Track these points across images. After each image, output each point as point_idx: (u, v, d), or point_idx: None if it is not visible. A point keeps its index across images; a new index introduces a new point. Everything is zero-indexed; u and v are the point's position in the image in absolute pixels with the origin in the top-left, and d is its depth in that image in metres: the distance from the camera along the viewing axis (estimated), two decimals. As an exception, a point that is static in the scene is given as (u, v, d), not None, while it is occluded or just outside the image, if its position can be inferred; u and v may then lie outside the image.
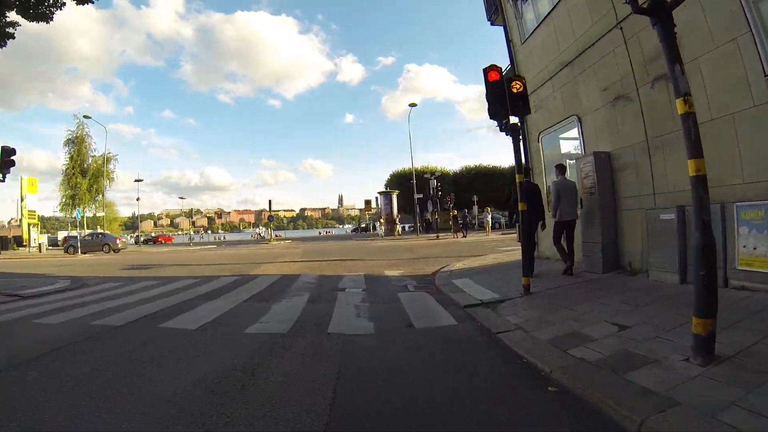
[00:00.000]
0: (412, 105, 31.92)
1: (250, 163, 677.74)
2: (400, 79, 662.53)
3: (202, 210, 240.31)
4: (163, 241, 53.43)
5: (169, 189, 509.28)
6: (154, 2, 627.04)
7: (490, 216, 26.20)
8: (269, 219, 38.82)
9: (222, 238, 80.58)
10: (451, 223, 30.12)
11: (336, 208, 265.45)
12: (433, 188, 26.76)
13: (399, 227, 35.70)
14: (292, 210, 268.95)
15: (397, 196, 36.47)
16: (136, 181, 49.04)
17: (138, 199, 50.31)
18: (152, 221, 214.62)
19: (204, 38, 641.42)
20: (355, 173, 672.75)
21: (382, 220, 35.39)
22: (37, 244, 32.43)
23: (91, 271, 13.75)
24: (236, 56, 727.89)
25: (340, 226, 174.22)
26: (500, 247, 15.80)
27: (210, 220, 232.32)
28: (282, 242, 35.69)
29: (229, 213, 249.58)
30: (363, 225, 62.36)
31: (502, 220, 36.54)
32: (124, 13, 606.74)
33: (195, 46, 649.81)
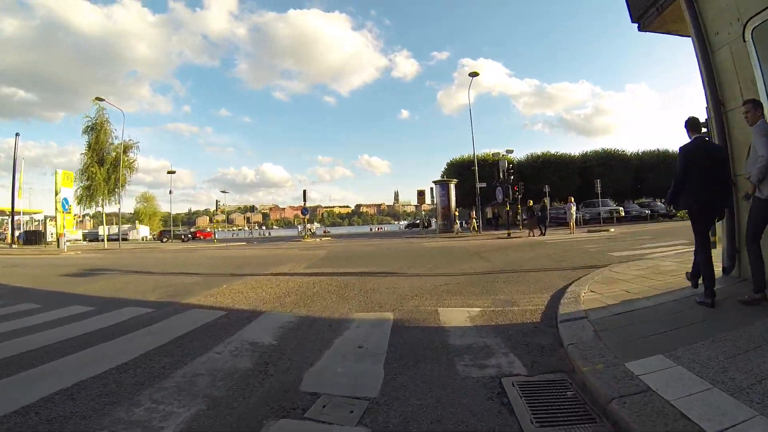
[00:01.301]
0: (474, 74, 27.26)
1: (306, 160, 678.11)
2: (455, 74, 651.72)
3: (257, 206, 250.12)
4: (201, 237, 52.11)
5: (226, 185, 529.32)
6: (208, 3, 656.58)
7: (574, 207, 20.62)
8: (303, 212, 35.02)
9: (267, 234, 79.92)
10: (524, 216, 24.84)
11: (391, 204, 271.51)
12: (503, 170, 21.25)
13: (458, 224, 30.93)
14: (347, 206, 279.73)
15: (456, 186, 31.54)
16: (169, 172, 48.14)
17: (171, 192, 49.71)
18: (208, 217, 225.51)
19: (258, 37, 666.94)
20: (411, 169, 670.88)
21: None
22: (55, 239, 30.52)
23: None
24: (290, 54, 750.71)
25: (395, 222, 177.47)
26: (609, 250, 10.97)
27: (265, 216, 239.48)
28: (319, 240, 31.81)
29: (284, 209, 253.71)
30: (418, 221, 60.34)
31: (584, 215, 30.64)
32: (180, 16, 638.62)
33: (249, 45, 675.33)
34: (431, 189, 34.32)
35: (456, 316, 4.82)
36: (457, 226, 30.10)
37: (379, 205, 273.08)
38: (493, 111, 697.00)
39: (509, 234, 20.51)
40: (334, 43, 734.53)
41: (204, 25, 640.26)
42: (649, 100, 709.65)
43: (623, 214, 30.49)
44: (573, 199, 20.98)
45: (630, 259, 9.07)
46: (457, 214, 31.76)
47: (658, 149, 41.33)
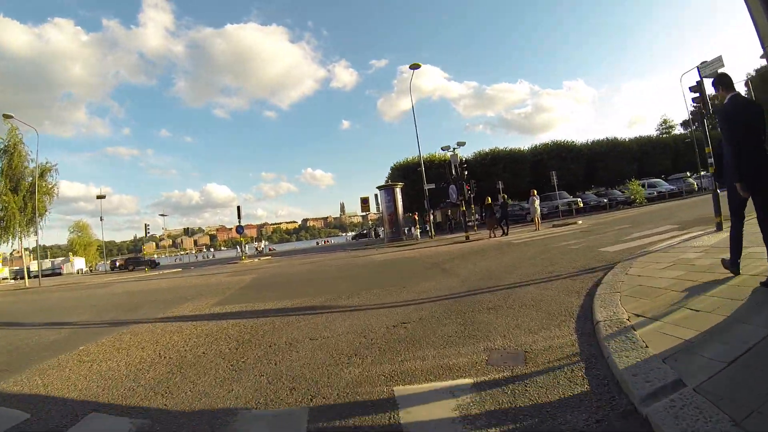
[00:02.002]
0: (414, 66, 25.82)
1: (250, 177, 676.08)
2: (395, 81, 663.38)
3: (204, 228, 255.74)
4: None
5: (171, 209, 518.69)
6: (144, 21, 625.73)
7: (538, 201, 19.04)
8: (238, 231, 32.06)
9: (211, 257, 75.78)
10: (481, 216, 23.24)
11: (338, 216, 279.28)
12: (456, 166, 19.17)
13: (417, 230, 29.36)
14: (294, 222, 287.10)
15: (402, 190, 29.67)
16: (98, 197, 44.41)
17: (102, 219, 46.32)
18: (154, 243, 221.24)
19: (195, 53, 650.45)
20: (356, 180, 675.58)
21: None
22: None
23: None
24: (229, 69, 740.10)
25: (343, 234, 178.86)
26: (596, 245, 9.41)
27: (212, 237, 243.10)
28: (258, 259, 28.93)
29: (231, 229, 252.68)
30: (365, 231, 59.47)
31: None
32: (114, 34, 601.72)
33: (187, 62, 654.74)
34: (376, 196, 32.31)
35: (431, 410, 2.51)
36: (417, 232, 28.22)
37: (326, 218, 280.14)
38: (433, 115, 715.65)
39: (468, 237, 18.58)
40: (272, 57, 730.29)
41: (140, 43, 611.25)
42: (587, 95, 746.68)
43: (581, 205, 29.71)
44: (536, 192, 19.38)
45: (632, 253, 7.29)
46: (416, 218, 30.39)
47: (607, 137, 41.77)
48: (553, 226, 19.09)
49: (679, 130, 58.94)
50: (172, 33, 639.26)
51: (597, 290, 4.79)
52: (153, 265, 44.25)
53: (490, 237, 17.87)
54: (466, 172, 18.88)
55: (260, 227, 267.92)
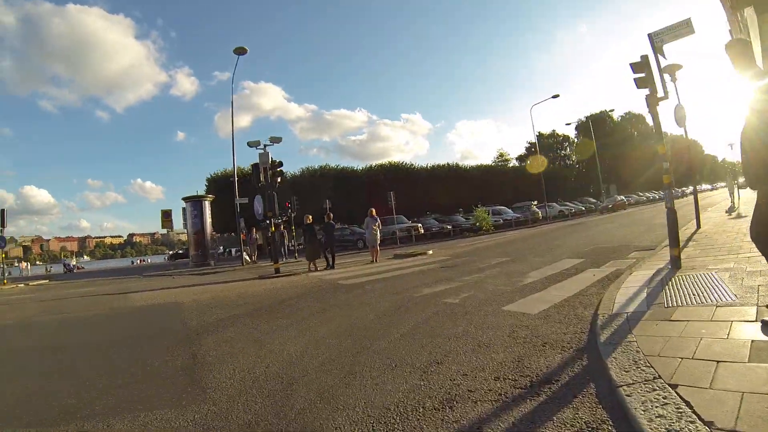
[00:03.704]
0: (240, 51, 21.04)
1: (74, 183, 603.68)
2: (235, 97, 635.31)
3: (17, 238, 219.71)
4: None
5: None
6: None
7: (378, 223, 15.22)
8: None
9: (7, 274, 59.09)
10: (301, 240, 19.00)
11: (166, 232, 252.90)
12: (265, 168, 13.79)
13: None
14: (120, 236, 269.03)
15: (214, 203, 24.59)
16: None
17: None
18: None
19: (28, 30, 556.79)
20: (186, 195, 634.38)
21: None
22: None
23: None
24: (63, 57, 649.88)
25: (170, 252, 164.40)
26: (493, 297, 5.70)
27: (26, 249, 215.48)
28: (25, 285, 19.25)
29: (48, 240, 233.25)
30: (182, 251, 52.78)
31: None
32: None
33: (16, 39, 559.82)
34: (183, 210, 26.00)
35: None
36: (246, 255, 22.51)
37: (153, 234, 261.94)
38: (270, 134, 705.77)
39: (277, 270, 13.56)
40: (113, 51, 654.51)
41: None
42: (423, 128, 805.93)
43: (422, 231, 27.52)
44: (375, 212, 15.54)
45: (582, 321, 3.44)
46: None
47: (448, 163, 42.04)
48: (395, 256, 15.49)
49: (514, 163, 63.81)
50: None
51: None
52: None
53: (310, 270, 13.38)
54: (279, 178, 13.90)
55: (82, 241, 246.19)
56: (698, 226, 10.76)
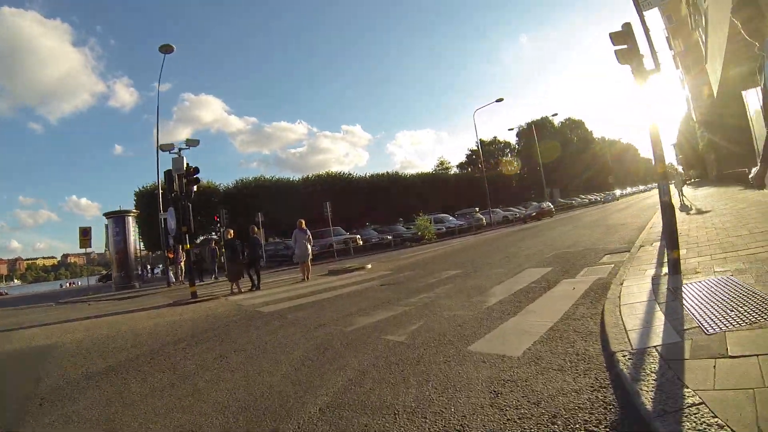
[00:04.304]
0: (166, 50, 19.60)
1: (4, 200, 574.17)
2: (175, 109, 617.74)
3: None
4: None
5: None
6: None
7: (308, 236, 13.50)
8: None
9: None
10: (222, 256, 17.03)
11: (103, 252, 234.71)
12: (178, 175, 11.43)
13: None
14: (53, 257, 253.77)
15: (143, 220, 24.39)
16: None
17: None
18: None
19: None
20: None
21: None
22: None
23: None
24: None
25: (105, 272, 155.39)
26: (461, 332, 4.23)
27: None
28: None
29: None
30: (105, 272, 50.31)
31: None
32: None
33: None
34: (106, 226, 23.55)
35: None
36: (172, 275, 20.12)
37: (89, 254, 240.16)
38: (210, 148, 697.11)
39: (194, 294, 11.40)
40: (49, 57, 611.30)
41: None
42: (363, 139, 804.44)
43: (361, 242, 26.21)
44: (304, 224, 13.82)
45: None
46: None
47: (387, 172, 41.28)
48: (330, 272, 13.86)
49: (454, 171, 63.81)
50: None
51: None
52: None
53: (232, 292, 11.50)
54: (195, 187, 11.83)
55: (13, 263, 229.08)
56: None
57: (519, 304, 4.94)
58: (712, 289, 3.84)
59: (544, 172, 47.40)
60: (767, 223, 7.02)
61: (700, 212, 11.99)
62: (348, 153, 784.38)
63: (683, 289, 4.07)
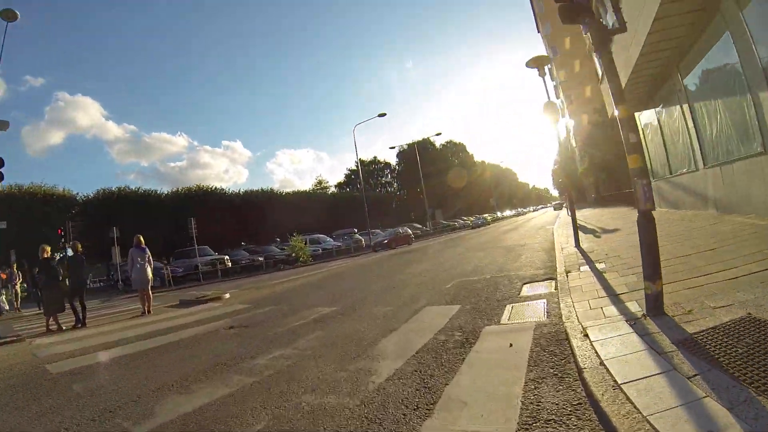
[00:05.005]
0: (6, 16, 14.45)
1: None
2: (48, 108, 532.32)
3: None
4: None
5: None
6: None
7: (148, 256, 10.58)
8: None
9: None
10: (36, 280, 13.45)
11: None
12: None
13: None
14: None
15: None
16: None
17: None
18: None
19: None
20: None
21: None
22: None
23: None
24: None
25: None
26: None
27: None
28: None
29: None
30: None
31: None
32: None
33: None
34: None
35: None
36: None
37: None
38: (85, 156, 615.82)
39: None
40: None
41: None
42: (243, 156, 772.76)
43: (230, 264, 23.39)
44: (142, 240, 10.85)
45: None
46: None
47: (262, 188, 39.62)
48: (180, 303, 11.05)
49: (332, 190, 62.15)
50: None
51: None
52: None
53: (48, 329, 8.45)
54: None
55: None
56: (577, 244, 8.84)
57: (431, 380, 2.93)
58: (745, 341, 2.23)
59: (426, 194, 47.67)
60: (703, 239, 5.99)
61: (605, 230, 11.33)
62: (228, 169, 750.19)
63: (695, 347, 2.41)
